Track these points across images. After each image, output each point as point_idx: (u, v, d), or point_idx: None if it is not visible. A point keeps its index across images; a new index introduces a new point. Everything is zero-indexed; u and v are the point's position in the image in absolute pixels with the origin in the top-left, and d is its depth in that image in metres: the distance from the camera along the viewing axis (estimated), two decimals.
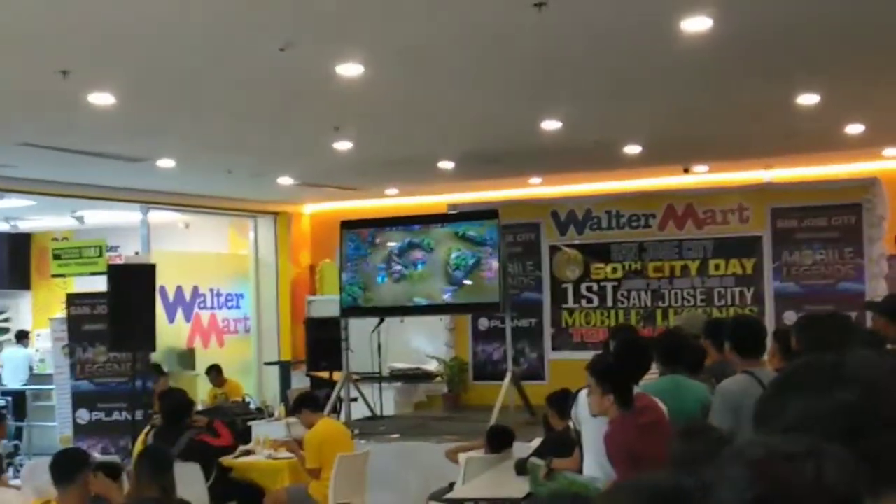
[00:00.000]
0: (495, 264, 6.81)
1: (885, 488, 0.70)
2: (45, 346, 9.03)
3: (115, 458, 5.88)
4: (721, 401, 3.40)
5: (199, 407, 7.30)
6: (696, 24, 4.08)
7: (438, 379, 8.02)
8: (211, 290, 9.26)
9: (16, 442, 8.62)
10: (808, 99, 5.63)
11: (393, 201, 8.93)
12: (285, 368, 8.88)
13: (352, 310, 7.27)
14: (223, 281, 9.54)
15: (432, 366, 8.11)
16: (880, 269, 7.22)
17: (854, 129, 6.46)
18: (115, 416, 7.46)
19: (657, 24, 4.12)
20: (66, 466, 3.25)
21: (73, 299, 7.86)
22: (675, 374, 4.20)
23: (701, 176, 8.05)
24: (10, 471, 6.89)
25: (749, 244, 7.52)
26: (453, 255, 6.98)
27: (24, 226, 10.12)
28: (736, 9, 4.00)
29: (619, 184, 8.22)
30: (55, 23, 3.93)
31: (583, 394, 3.81)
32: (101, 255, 8.35)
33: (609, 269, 7.83)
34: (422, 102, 5.78)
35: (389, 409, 7.71)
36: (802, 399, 0.81)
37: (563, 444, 4.65)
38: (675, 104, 5.74)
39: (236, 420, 7.19)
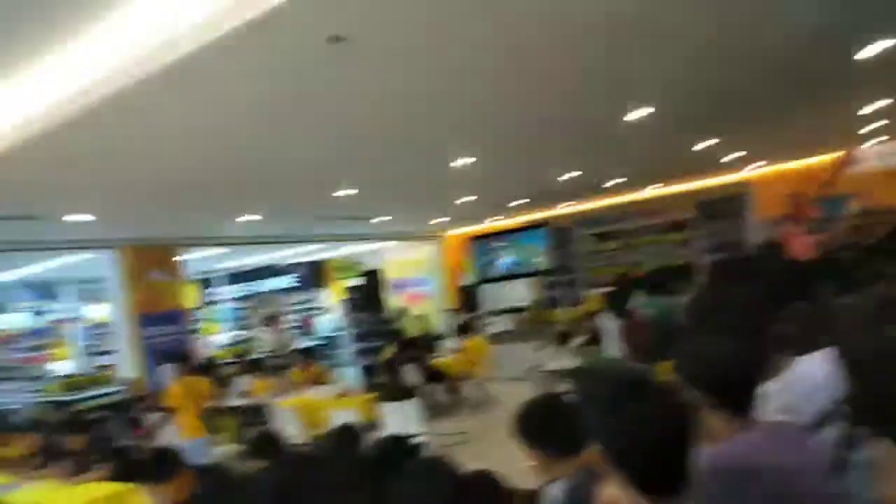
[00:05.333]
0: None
1: None
2: (338, 313, 15.36)
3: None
4: (677, 308, 4.54)
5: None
6: None
7: (528, 310, 14.00)
8: (411, 279, 15.44)
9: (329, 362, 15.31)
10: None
11: (492, 223, 14.70)
12: (453, 312, 14.50)
13: (480, 280, 13.94)
14: (416, 272, 15.62)
15: (524, 303, 14.09)
16: None
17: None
18: (372, 344, 11.00)
19: None
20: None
21: (346, 291, 13.03)
22: (651, 296, 5.69)
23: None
24: None
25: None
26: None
27: (318, 256, 16.41)
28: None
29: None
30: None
31: (604, 310, 6.21)
32: (357, 267, 15.60)
33: (611, 244, 13.74)
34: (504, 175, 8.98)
35: (505, 328, 13.38)
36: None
37: (596, 338, 6.92)
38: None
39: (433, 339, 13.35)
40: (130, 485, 4.82)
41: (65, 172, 5.39)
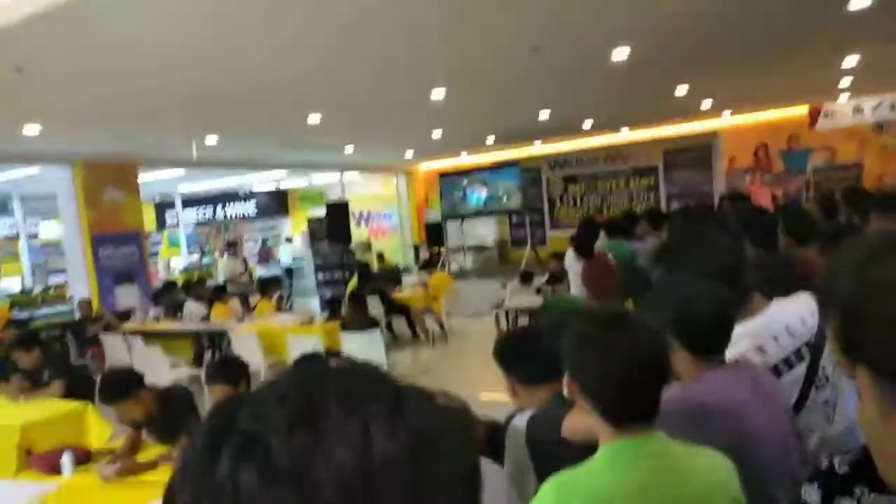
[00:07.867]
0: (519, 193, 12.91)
1: None
2: (299, 244, 15.09)
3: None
4: (643, 252, 4.69)
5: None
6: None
7: (492, 248, 14.14)
8: (376, 213, 15.44)
9: (289, 292, 14.95)
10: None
11: (462, 160, 14.56)
12: (416, 247, 14.81)
13: (446, 217, 13.89)
14: (381, 207, 15.56)
15: (490, 241, 14.22)
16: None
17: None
18: (335, 276, 11.71)
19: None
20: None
21: (310, 221, 12.89)
22: (616, 240, 5.78)
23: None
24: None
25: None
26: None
27: (283, 185, 16.27)
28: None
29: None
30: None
31: (569, 251, 5.78)
32: (321, 198, 15.30)
33: (580, 187, 13.80)
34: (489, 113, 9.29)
35: (469, 265, 13.76)
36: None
37: (559, 278, 7.00)
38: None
39: (397, 273, 13.16)
40: (85, 403, 4.74)
41: (16, 78, 5.02)
